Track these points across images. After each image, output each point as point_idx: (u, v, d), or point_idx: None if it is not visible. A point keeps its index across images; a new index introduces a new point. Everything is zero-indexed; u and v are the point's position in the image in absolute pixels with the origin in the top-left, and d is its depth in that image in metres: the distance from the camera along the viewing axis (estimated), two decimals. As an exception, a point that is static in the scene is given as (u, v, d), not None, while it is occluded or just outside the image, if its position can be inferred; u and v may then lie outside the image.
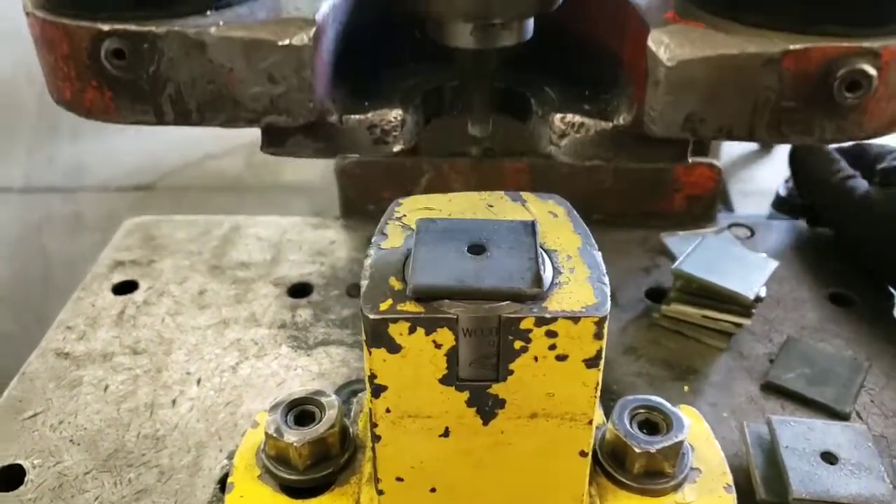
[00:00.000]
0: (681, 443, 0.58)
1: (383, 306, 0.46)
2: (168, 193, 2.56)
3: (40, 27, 0.38)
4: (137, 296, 0.85)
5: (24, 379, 0.75)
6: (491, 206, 0.56)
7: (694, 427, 0.62)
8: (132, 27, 0.37)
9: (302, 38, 0.37)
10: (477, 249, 0.49)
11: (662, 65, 0.36)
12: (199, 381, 0.74)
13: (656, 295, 0.84)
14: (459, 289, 0.46)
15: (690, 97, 0.37)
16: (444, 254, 0.48)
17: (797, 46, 0.35)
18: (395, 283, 0.48)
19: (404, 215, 0.55)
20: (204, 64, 0.37)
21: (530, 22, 0.42)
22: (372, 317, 0.46)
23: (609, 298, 0.47)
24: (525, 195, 0.56)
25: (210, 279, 0.87)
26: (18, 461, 0.66)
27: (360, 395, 0.67)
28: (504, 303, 0.46)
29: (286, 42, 0.37)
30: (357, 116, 0.41)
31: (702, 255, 0.77)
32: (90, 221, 2.46)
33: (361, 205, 0.97)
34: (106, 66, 0.37)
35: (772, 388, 0.72)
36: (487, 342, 0.47)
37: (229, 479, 0.60)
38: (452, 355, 0.47)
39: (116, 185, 2.59)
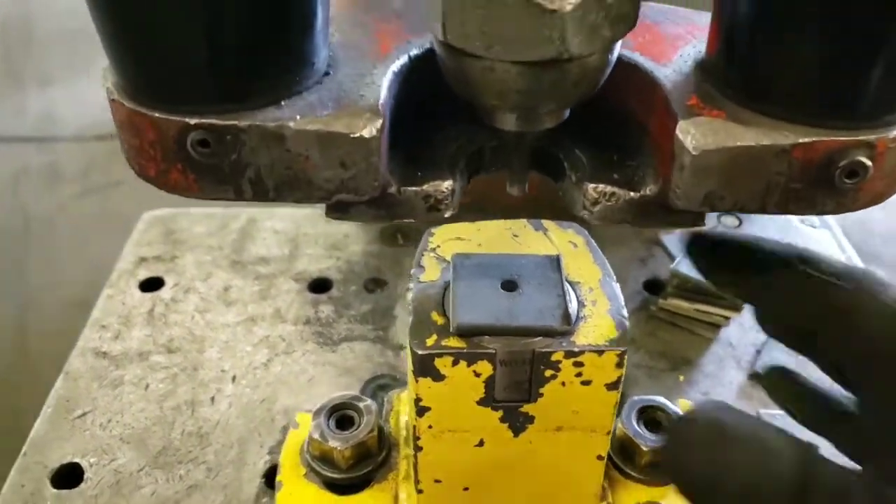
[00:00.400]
0: (682, 440, 0.65)
1: (429, 342, 0.52)
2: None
3: (126, 115, 0.42)
4: (165, 293, 0.90)
5: (68, 378, 0.80)
6: (516, 235, 0.61)
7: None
8: (217, 121, 0.40)
9: (371, 130, 0.41)
10: (509, 286, 0.54)
11: (688, 153, 0.41)
12: (234, 379, 0.79)
13: (653, 287, 0.91)
14: (498, 327, 0.52)
15: (711, 179, 0.42)
16: (480, 290, 0.54)
17: (805, 140, 0.40)
18: (437, 318, 0.54)
19: (438, 246, 0.60)
20: (282, 152, 0.41)
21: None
22: (420, 353, 0.52)
23: (628, 331, 0.53)
24: (546, 224, 0.62)
25: (233, 275, 0.92)
26: (76, 460, 0.72)
27: (389, 392, 0.73)
28: (537, 339, 0.52)
29: (357, 135, 0.41)
30: (413, 189, 0.45)
31: (696, 253, 0.83)
32: (67, 171, 2.45)
33: (371, 196, 1.02)
34: (191, 153, 0.41)
35: (758, 378, 0.80)
36: (521, 371, 0.53)
37: (278, 478, 0.66)
38: (490, 382, 0.53)
39: (93, 134, 2.57)
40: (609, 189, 0.46)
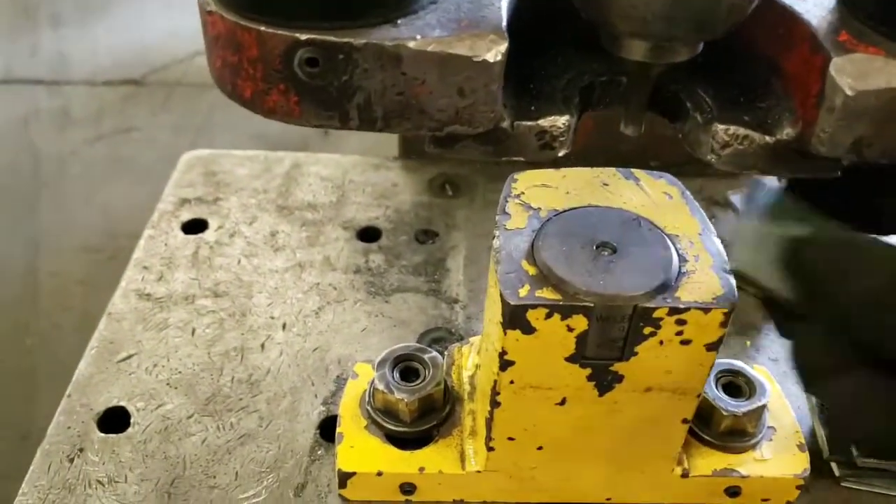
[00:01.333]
0: (764, 406, 0.62)
1: (522, 292, 0.49)
2: (158, 89, 2.50)
3: (227, 29, 0.38)
4: (209, 235, 0.87)
5: (111, 320, 0.77)
6: (606, 184, 0.58)
7: (769, 388, 0.66)
8: (330, 38, 0.37)
9: (496, 54, 0.37)
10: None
11: (843, 93, 0.37)
12: (284, 326, 0.77)
13: (716, 248, 0.87)
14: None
15: (863, 123, 0.38)
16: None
17: None
18: (529, 268, 0.50)
19: (522, 192, 0.56)
20: (396, 76, 0.37)
21: None
22: (513, 303, 0.48)
23: (735, 288, 0.50)
24: (637, 172, 0.58)
25: (279, 220, 0.88)
26: (122, 403, 0.69)
27: (450, 346, 0.70)
28: (639, 293, 0.49)
29: (481, 58, 0.37)
30: (528, 123, 0.42)
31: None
32: (79, 116, 2.42)
33: (419, 145, 0.98)
34: (297, 72, 0.37)
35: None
36: (618, 328, 0.50)
37: (338, 430, 0.63)
38: (583, 338, 0.50)
39: (104, 79, 2.52)
40: (742, 131, 0.43)
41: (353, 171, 0.95)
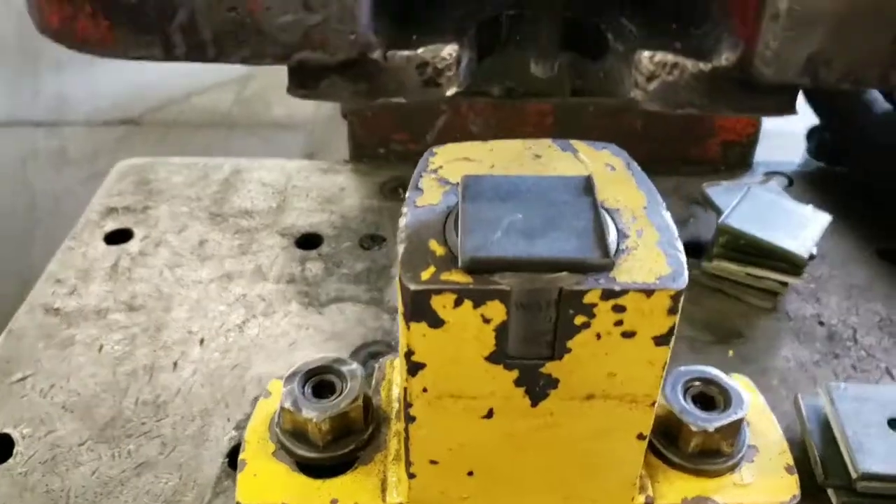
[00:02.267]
0: (741, 420, 0.53)
1: (425, 275, 0.40)
2: (154, 129, 2.46)
3: None
4: (132, 246, 0.79)
5: (10, 337, 0.69)
6: (538, 156, 0.49)
7: (749, 400, 0.56)
8: None
9: None
10: (530, 212, 0.42)
11: None
12: (202, 342, 0.68)
13: (695, 249, 0.78)
14: (515, 260, 0.39)
15: (816, 33, 0.30)
16: (494, 216, 0.42)
17: None
18: (437, 248, 0.42)
19: (440, 167, 0.48)
20: None
21: None
22: (413, 287, 0.40)
23: (685, 267, 0.41)
24: (576, 143, 0.50)
25: (211, 228, 0.80)
26: (6, 430, 0.61)
27: (381, 359, 0.61)
28: (563, 273, 0.40)
29: None
30: (405, 52, 0.34)
31: (749, 208, 0.71)
32: (75, 156, 2.38)
33: (371, 148, 0.90)
34: None
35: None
36: (543, 317, 0.41)
37: (241, 456, 0.54)
38: (502, 331, 0.41)
39: (102, 120, 2.49)
40: (671, 58, 0.34)
41: (298, 176, 0.87)
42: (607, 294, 0.39)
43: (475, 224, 0.41)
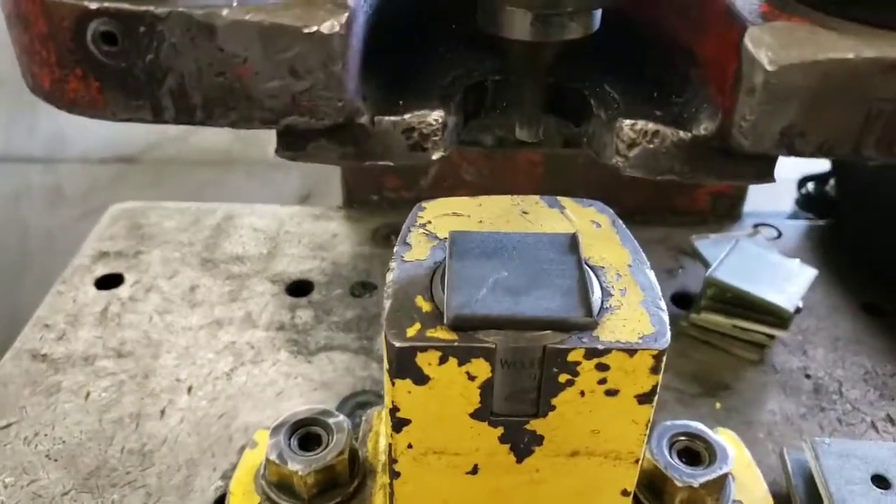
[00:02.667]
0: (725, 475, 0.53)
1: (410, 332, 0.40)
2: (151, 167, 2.47)
3: (12, 1, 0.31)
4: (123, 291, 0.79)
5: (-3, 383, 0.68)
6: (525, 212, 0.50)
7: (734, 454, 0.57)
8: (125, 6, 0.30)
9: (332, 25, 0.31)
10: (516, 270, 0.43)
11: (762, 69, 0.30)
12: (189, 390, 0.68)
13: (683, 301, 0.79)
14: (500, 318, 0.40)
15: (791, 108, 0.31)
16: (480, 274, 0.43)
17: None
18: (423, 304, 0.42)
19: (429, 222, 0.49)
20: (213, 52, 0.31)
21: (599, 10, 0.35)
22: (398, 345, 0.40)
23: (668, 327, 0.41)
24: (563, 200, 0.50)
25: (202, 274, 0.80)
26: (-11, 479, 0.60)
27: (368, 411, 0.61)
28: (548, 332, 0.40)
29: (313, 29, 0.30)
30: (392, 118, 0.35)
31: (736, 260, 0.71)
32: (70, 194, 2.38)
33: (364, 194, 0.91)
34: (93, 51, 0.31)
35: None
36: (528, 375, 0.41)
37: (225, 508, 0.54)
38: (487, 388, 0.41)
39: (98, 157, 2.50)
40: (652, 126, 0.35)
41: (290, 222, 0.88)
42: (591, 353, 0.40)
43: (461, 281, 0.42)
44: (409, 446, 0.44)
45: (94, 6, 0.30)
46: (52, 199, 2.37)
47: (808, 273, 0.72)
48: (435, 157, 0.36)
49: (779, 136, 0.32)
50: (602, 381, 0.41)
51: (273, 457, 0.52)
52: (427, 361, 0.40)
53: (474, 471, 0.45)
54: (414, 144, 0.35)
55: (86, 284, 0.80)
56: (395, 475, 0.46)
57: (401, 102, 0.36)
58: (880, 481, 0.54)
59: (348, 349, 0.72)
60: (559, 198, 0.51)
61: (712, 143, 0.34)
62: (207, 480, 0.61)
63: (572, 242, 0.45)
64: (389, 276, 0.44)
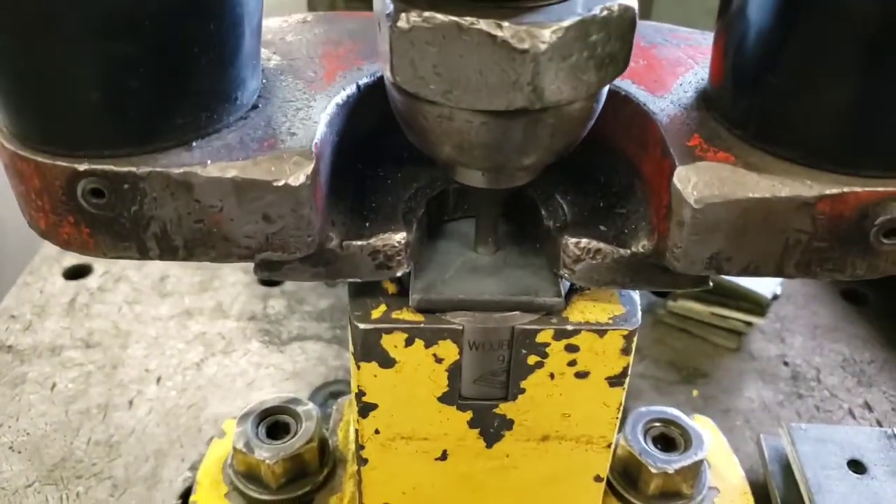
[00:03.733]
0: (701, 461, 0.52)
1: (376, 313, 0.39)
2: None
3: (8, 158, 0.34)
4: (91, 281, 0.77)
5: (-41, 375, 0.67)
6: (496, 194, 0.49)
7: (711, 440, 0.56)
8: (111, 167, 0.32)
9: (299, 178, 0.32)
10: (485, 249, 0.42)
11: (689, 206, 0.32)
12: (158, 380, 0.66)
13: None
14: (468, 300, 0.39)
15: (716, 238, 0.33)
16: (449, 255, 0.42)
17: (833, 191, 0.32)
18: (389, 286, 0.41)
19: (397, 204, 0.48)
20: (191, 204, 0.33)
21: None
22: (363, 326, 0.39)
23: (639, 307, 0.40)
24: (534, 182, 0.49)
25: (172, 263, 0.79)
26: (-50, 472, 0.58)
27: (340, 399, 0.60)
28: (516, 313, 0.39)
29: (282, 183, 0.32)
30: (358, 243, 0.37)
31: (713, 247, 0.71)
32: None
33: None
34: (83, 204, 0.33)
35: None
36: (496, 357, 0.40)
37: (192, 498, 0.53)
38: (455, 371, 0.40)
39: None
40: (594, 245, 0.37)
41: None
42: (560, 333, 0.39)
43: (428, 262, 0.41)
44: (377, 432, 0.43)
45: (82, 168, 0.32)
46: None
47: (786, 259, 0.72)
48: (398, 273, 0.38)
49: (707, 260, 0.34)
50: (572, 363, 0.40)
51: (240, 445, 0.51)
52: (393, 344, 0.39)
53: (443, 456, 0.44)
54: (379, 264, 0.37)
55: (54, 275, 0.78)
56: (362, 462, 0.45)
57: (367, 224, 0.38)
58: (856, 466, 0.54)
59: (321, 339, 0.71)
60: (531, 179, 0.50)
61: (649, 260, 0.36)
62: (175, 471, 0.59)
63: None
64: (355, 258, 0.43)
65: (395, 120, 0.36)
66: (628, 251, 0.37)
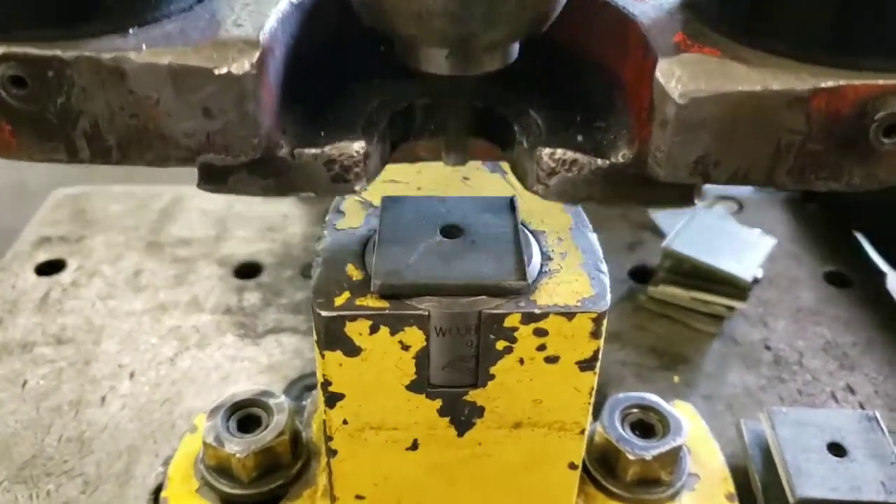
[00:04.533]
0: (679, 448, 0.51)
1: (339, 301, 0.38)
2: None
3: None
4: (65, 276, 0.76)
5: (-72, 373, 0.65)
6: (466, 178, 0.48)
7: (690, 426, 0.55)
8: (32, 51, 0.30)
9: (243, 65, 0.30)
10: (451, 233, 0.41)
11: (673, 102, 0.30)
12: (132, 375, 0.65)
13: (641, 275, 0.77)
14: (433, 284, 0.38)
15: (703, 138, 0.31)
16: (413, 239, 0.41)
17: (829, 84, 0.30)
18: (354, 272, 0.40)
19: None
20: (124, 95, 0.30)
21: (517, 43, 0.35)
22: (325, 314, 0.38)
23: (609, 289, 0.39)
24: (505, 165, 0.49)
25: (147, 258, 0.78)
26: (-83, 472, 0.57)
27: (313, 392, 0.59)
28: (483, 297, 0.38)
29: (224, 70, 0.30)
30: (312, 151, 0.34)
31: (694, 231, 0.70)
32: (34, 191, 2.33)
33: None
34: (4, 95, 0.30)
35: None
36: (464, 342, 0.39)
37: (163, 493, 0.52)
38: (423, 358, 0.39)
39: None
40: (570, 155, 0.35)
41: (240, 204, 0.85)
42: (528, 317, 0.38)
43: (391, 247, 0.40)
44: (345, 422, 0.42)
45: (0, 50, 0.29)
46: (15, 196, 2.32)
47: (767, 242, 0.71)
48: (357, 188, 0.35)
49: (693, 165, 0.31)
50: (541, 348, 0.39)
51: (210, 439, 0.50)
52: (357, 331, 0.38)
53: (414, 446, 0.43)
54: (335, 176, 0.34)
55: (26, 271, 0.77)
56: (331, 453, 0.44)
57: (322, 133, 0.35)
58: (836, 449, 0.53)
59: (297, 331, 0.70)
60: (501, 163, 0.49)
61: (630, 170, 0.34)
62: (149, 467, 0.58)
63: (509, 206, 0.43)
64: (320, 245, 0.42)
65: (357, 28, 0.33)
66: (607, 161, 0.34)
